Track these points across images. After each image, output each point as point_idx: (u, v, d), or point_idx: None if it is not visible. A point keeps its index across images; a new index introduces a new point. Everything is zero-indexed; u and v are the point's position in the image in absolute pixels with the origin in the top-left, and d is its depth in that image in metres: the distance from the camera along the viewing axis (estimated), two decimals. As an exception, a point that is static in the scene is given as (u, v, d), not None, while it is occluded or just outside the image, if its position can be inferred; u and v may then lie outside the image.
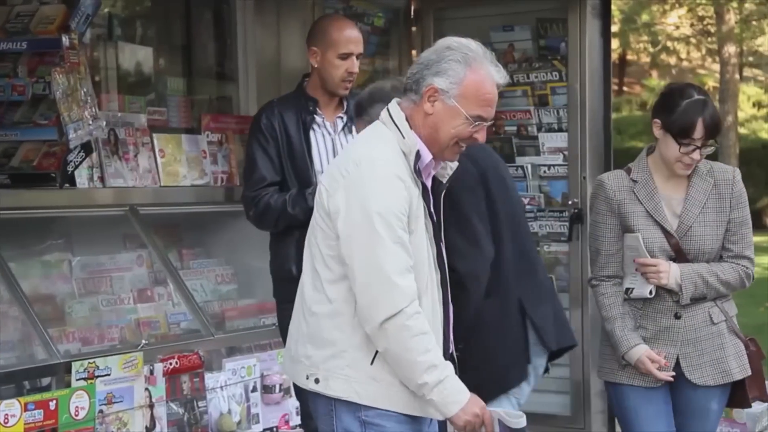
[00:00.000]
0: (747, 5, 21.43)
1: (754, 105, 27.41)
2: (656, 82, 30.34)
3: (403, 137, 2.91)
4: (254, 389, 4.41)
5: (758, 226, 23.65)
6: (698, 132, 3.56)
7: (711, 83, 28.91)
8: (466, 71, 2.87)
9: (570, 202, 5.35)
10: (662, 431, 3.66)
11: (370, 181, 2.84)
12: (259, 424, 4.41)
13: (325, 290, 2.90)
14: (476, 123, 2.89)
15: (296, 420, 4.49)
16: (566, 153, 5.40)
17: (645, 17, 23.98)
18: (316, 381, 2.91)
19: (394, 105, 2.96)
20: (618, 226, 3.71)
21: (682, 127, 3.59)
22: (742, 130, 23.41)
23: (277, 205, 4.01)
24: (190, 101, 5.28)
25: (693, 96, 3.63)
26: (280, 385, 4.42)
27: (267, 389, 4.43)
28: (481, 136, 2.93)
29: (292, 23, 5.18)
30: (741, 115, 23.93)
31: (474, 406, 2.86)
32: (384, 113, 2.97)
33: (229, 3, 5.36)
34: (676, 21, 26.53)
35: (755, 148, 23.68)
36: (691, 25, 26.31)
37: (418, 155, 2.89)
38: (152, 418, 3.91)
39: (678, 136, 3.60)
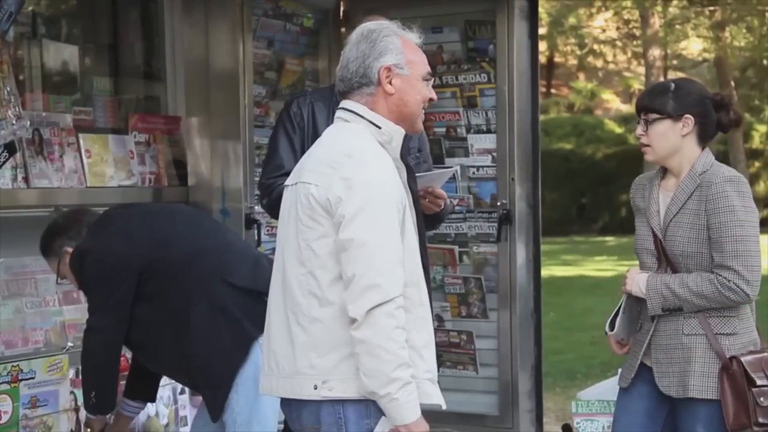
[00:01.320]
0: (671, 9, 21.81)
1: (678, 107, 27.80)
2: (583, 84, 30.70)
3: (379, 127, 2.92)
4: (182, 391, 4.38)
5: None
6: (637, 105, 3.59)
7: (636, 86, 29.34)
8: (399, 41, 2.95)
9: (499, 203, 5.39)
10: None
11: (368, 169, 2.83)
12: (187, 426, 4.37)
13: (324, 293, 2.83)
14: (429, 80, 3.00)
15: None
16: (495, 154, 5.44)
17: (572, 20, 24.28)
18: (330, 388, 2.82)
19: (352, 104, 2.93)
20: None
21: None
22: (666, 132, 23.70)
23: None
24: (116, 101, 5.22)
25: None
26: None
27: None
28: (433, 93, 3.03)
29: (221, 22, 5.15)
30: (666, 117, 24.22)
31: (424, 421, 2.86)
32: (345, 114, 2.94)
33: (156, 2, 5.31)
34: (602, 24, 26.87)
35: (679, 150, 24.06)
36: (617, 28, 26.67)
37: (406, 136, 2.96)
38: (77, 422, 3.86)
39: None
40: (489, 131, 5.46)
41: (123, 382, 3.87)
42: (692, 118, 3.48)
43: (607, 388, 4.22)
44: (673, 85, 3.54)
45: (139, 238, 3.64)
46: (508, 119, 5.35)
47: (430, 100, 3.01)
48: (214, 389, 3.58)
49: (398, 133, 2.96)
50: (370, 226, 2.80)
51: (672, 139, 3.50)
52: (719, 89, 23.76)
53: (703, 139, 3.54)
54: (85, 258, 3.58)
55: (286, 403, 2.92)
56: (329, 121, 3.94)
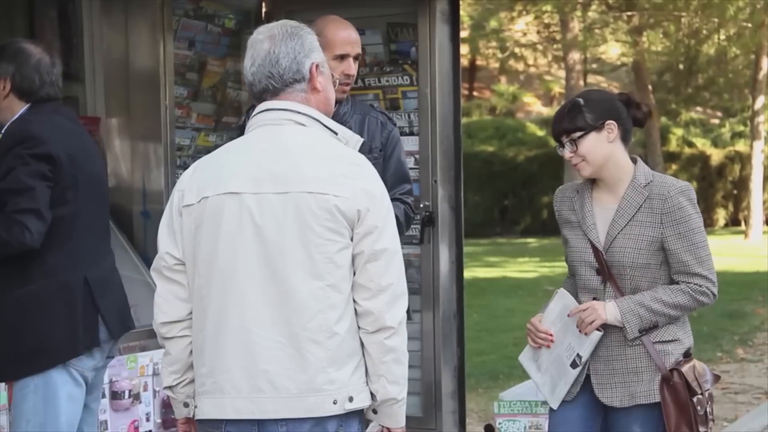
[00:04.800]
0: (590, 14, 22.12)
1: (597, 111, 28.20)
2: (505, 87, 31.03)
3: (336, 133, 2.90)
4: (103, 395, 4.31)
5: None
6: (555, 132, 3.60)
7: (557, 89, 29.75)
8: (317, 39, 2.94)
9: (421, 206, 5.40)
10: None
11: (378, 178, 2.86)
12: (108, 430, 4.32)
13: (347, 305, 2.78)
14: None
15: (146, 426, 4.42)
16: (417, 156, 5.46)
17: (493, 23, 24.50)
18: (350, 399, 2.78)
19: (297, 105, 2.87)
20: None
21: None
22: (586, 135, 24.02)
23: None
24: (33, 101, 5.12)
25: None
26: (129, 391, 4.33)
27: (115, 395, 4.34)
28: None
29: (141, 23, 5.09)
30: (585, 120, 24.55)
31: None
32: (295, 116, 2.86)
33: (74, 1, 5.23)
34: (523, 28, 27.18)
35: (599, 153, 24.40)
36: (538, 32, 27.00)
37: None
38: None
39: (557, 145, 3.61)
40: (411, 133, 5.47)
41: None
42: (614, 122, 3.52)
43: (529, 389, 4.25)
44: (581, 100, 3.57)
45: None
46: (430, 122, 5.37)
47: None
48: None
49: (354, 139, 2.94)
50: (395, 235, 2.83)
51: (602, 149, 3.52)
52: (638, 93, 24.18)
53: (626, 140, 3.58)
54: None
55: (271, 424, 2.77)
56: None
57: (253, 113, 2.92)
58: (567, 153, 3.54)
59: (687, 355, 3.56)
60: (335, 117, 4.17)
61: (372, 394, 2.83)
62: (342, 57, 4.06)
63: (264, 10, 5.71)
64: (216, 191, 2.81)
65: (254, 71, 2.87)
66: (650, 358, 3.49)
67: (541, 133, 25.82)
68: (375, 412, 2.86)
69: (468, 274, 6.61)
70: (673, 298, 3.47)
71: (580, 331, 3.50)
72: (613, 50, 28.19)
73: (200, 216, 2.82)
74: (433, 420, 5.36)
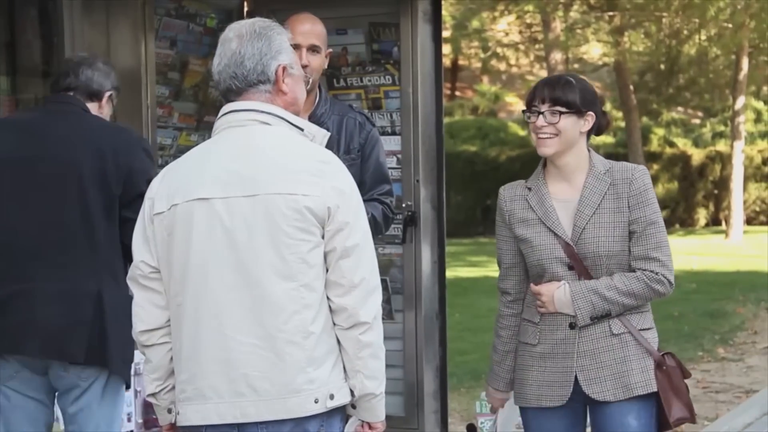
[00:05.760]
0: (572, 14, 22.18)
1: (579, 111, 28.29)
2: (487, 87, 31.07)
3: (302, 129, 2.89)
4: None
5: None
6: (538, 98, 3.43)
7: (539, 89, 29.73)
8: (287, 39, 2.95)
9: (404, 205, 5.41)
10: None
11: (346, 174, 2.86)
12: None
13: (321, 303, 2.78)
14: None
15: (128, 426, 4.37)
16: (399, 156, 5.46)
17: (475, 23, 24.53)
18: (331, 397, 2.79)
19: (261, 105, 2.86)
20: (513, 238, 3.52)
21: (527, 99, 3.49)
22: (568, 135, 24.10)
23: None
24: (14, 100, 5.11)
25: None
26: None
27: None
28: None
29: (122, 21, 5.07)
30: (567, 120, 24.62)
31: None
32: (260, 115, 2.86)
33: (55, 0, 5.21)
34: (505, 28, 27.22)
35: (581, 153, 24.49)
36: (520, 32, 27.05)
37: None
38: None
39: (526, 111, 3.47)
40: (394, 133, 5.47)
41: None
42: (593, 115, 3.46)
43: (511, 388, 4.25)
44: (572, 80, 3.48)
45: None
46: (412, 121, 5.37)
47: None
48: None
49: (321, 134, 2.95)
50: (366, 231, 2.83)
51: (575, 134, 3.44)
52: (619, 93, 24.28)
53: (589, 138, 3.52)
54: None
55: (252, 427, 2.77)
56: None
57: (218, 115, 2.92)
58: (542, 121, 3.41)
59: None
60: (312, 117, 4.21)
61: (350, 389, 2.84)
62: (295, 47, 4.09)
63: (246, 9, 5.70)
64: (185, 198, 2.81)
65: (220, 70, 2.88)
66: (638, 346, 3.40)
67: (523, 132, 25.85)
68: (354, 407, 2.88)
69: (450, 273, 6.62)
70: (628, 286, 3.37)
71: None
72: (594, 50, 28.26)
73: (171, 223, 2.82)
74: (415, 419, 5.37)
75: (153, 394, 2.97)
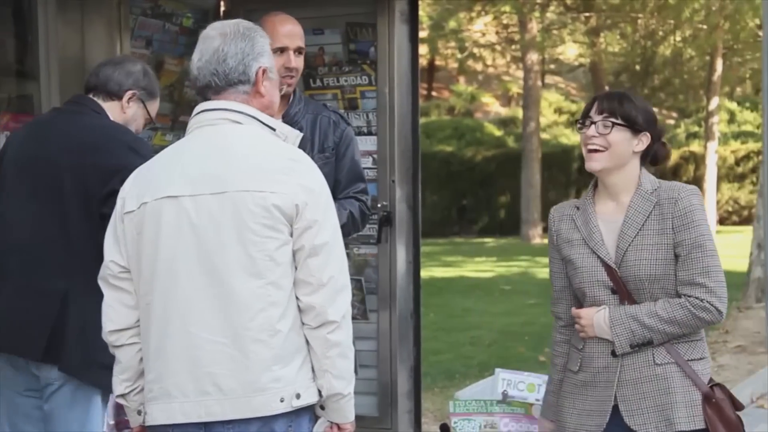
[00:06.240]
0: (548, 15, 22.24)
1: (555, 111, 28.48)
2: (463, 87, 31.12)
3: (274, 129, 2.90)
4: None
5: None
6: (594, 108, 3.27)
7: (515, 89, 29.88)
8: (268, 43, 2.97)
9: (379, 205, 5.41)
10: None
11: (317, 172, 2.85)
12: None
13: (288, 302, 2.78)
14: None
15: (101, 427, 4.38)
16: (375, 156, 5.46)
17: (452, 24, 24.55)
18: (298, 396, 2.78)
19: (234, 104, 2.87)
20: (561, 260, 3.35)
21: (583, 110, 3.33)
22: (544, 136, 24.26)
23: None
24: (-13, 99, 5.08)
25: None
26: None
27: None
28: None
29: (97, 20, 5.05)
30: (543, 120, 24.79)
31: None
32: (231, 114, 2.86)
33: (30, -2, 5.19)
34: (482, 28, 27.26)
35: (556, 153, 24.60)
36: (497, 32, 27.10)
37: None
38: None
39: (579, 121, 3.31)
40: (370, 133, 5.48)
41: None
42: (649, 136, 3.27)
43: (484, 388, 4.28)
44: (635, 98, 3.31)
45: None
46: (388, 121, 5.37)
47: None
48: None
49: (293, 134, 2.96)
50: (335, 230, 2.83)
51: (626, 152, 3.26)
52: (594, 93, 24.37)
53: (644, 160, 3.33)
54: None
55: (218, 426, 2.75)
56: None
57: (192, 115, 2.92)
58: (593, 131, 3.24)
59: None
60: (286, 117, 4.21)
61: (318, 390, 2.84)
62: (281, 50, 4.11)
63: (223, 9, 5.69)
64: (154, 196, 2.81)
65: (200, 66, 2.88)
66: (684, 378, 3.19)
67: (498, 133, 25.94)
68: (323, 408, 2.88)
69: (425, 273, 6.63)
70: (671, 313, 3.16)
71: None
72: (570, 51, 28.37)
73: (141, 222, 2.83)
74: (388, 419, 5.38)
75: (123, 395, 2.97)
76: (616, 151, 3.24)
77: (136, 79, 3.80)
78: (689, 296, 3.17)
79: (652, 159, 3.36)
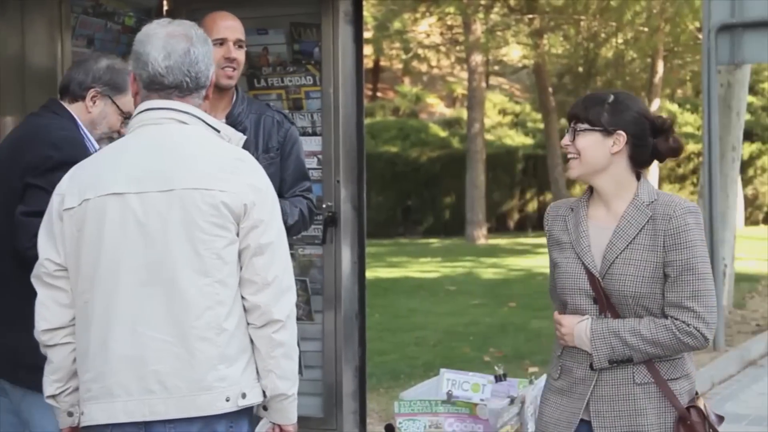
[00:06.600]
0: (492, 16, 22.36)
1: (499, 112, 28.64)
2: (408, 88, 31.19)
3: (218, 131, 2.91)
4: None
5: (503, 229, 24.76)
6: (569, 115, 3.20)
7: (460, 90, 30.01)
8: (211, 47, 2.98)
9: (324, 206, 5.41)
10: None
11: (262, 173, 2.87)
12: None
13: (234, 300, 2.78)
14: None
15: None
16: (320, 157, 5.46)
17: (397, 25, 24.59)
18: (243, 396, 2.78)
19: (178, 104, 2.86)
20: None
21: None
22: (488, 137, 24.38)
23: None
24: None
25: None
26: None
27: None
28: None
29: (38, 20, 4.99)
30: (487, 121, 24.91)
31: None
32: (177, 114, 2.86)
33: (-33, -3, 5.11)
34: (426, 29, 27.33)
35: (500, 154, 24.75)
36: (441, 33, 27.20)
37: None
38: None
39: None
40: (315, 134, 5.47)
41: None
42: (624, 135, 3.12)
43: (429, 388, 4.29)
44: (611, 96, 3.18)
45: None
46: (333, 122, 5.37)
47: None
48: None
49: (237, 137, 2.97)
50: (280, 230, 2.84)
51: (601, 156, 3.12)
52: (538, 95, 24.56)
53: (637, 164, 3.18)
54: None
55: (159, 426, 2.74)
56: None
57: (134, 113, 2.91)
58: (566, 139, 3.16)
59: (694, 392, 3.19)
60: (230, 117, 4.21)
61: (262, 390, 2.84)
62: (221, 42, 4.18)
63: (165, 8, 5.65)
64: (97, 193, 2.79)
65: (169, 65, 2.86)
66: (662, 399, 3.09)
67: (443, 134, 26.01)
68: (265, 408, 2.88)
69: (370, 274, 6.63)
70: (654, 334, 3.04)
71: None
72: (514, 52, 28.54)
73: (82, 219, 2.80)
74: (333, 420, 5.37)
75: (53, 396, 2.93)
76: (586, 157, 3.13)
77: (96, 76, 3.74)
78: (676, 319, 3.05)
79: (654, 155, 3.20)
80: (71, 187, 2.85)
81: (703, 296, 3.05)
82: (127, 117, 3.69)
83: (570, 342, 3.15)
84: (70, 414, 2.91)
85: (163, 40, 2.88)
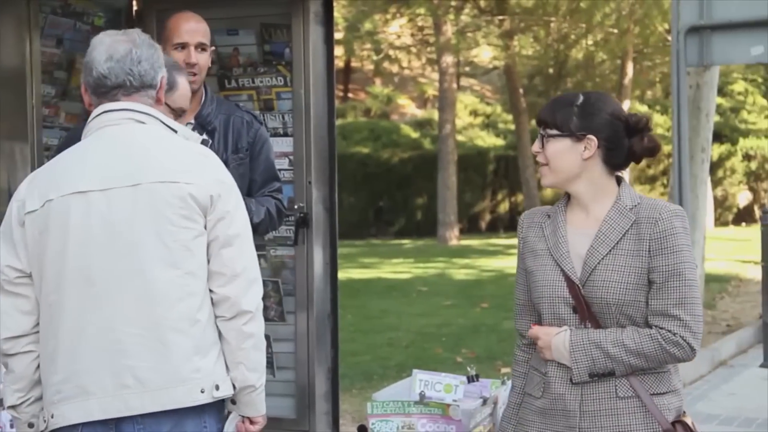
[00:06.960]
0: (463, 18, 22.41)
1: (470, 113, 28.71)
2: (380, 89, 31.21)
3: (175, 131, 2.93)
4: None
5: (475, 230, 24.82)
6: (537, 119, 3.04)
7: (431, 92, 30.06)
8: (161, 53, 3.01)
9: (296, 207, 5.40)
10: None
11: (225, 168, 2.90)
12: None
13: (205, 292, 2.79)
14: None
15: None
16: (292, 158, 5.45)
17: (368, 26, 24.59)
18: (217, 388, 2.79)
19: (136, 105, 2.88)
20: (525, 271, 3.07)
21: None
22: (459, 138, 24.42)
23: None
24: None
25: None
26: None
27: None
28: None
29: (6, 19, 4.95)
30: (459, 123, 24.96)
31: None
32: (135, 114, 2.87)
33: (-65, -4, 5.06)
34: (397, 30, 27.35)
35: (472, 155, 24.81)
36: (412, 34, 27.22)
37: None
38: None
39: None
40: (286, 134, 5.46)
41: None
42: (595, 140, 2.95)
43: (402, 389, 4.28)
44: (581, 98, 3.01)
45: None
46: (304, 123, 5.36)
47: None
48: None
49: (194, 137, 3.01)
50: (246, 222, 2.87)
51: (572, 162, 2.96)
52: (509, 96, 24.63)
53: (613, 166, 3.01)
54: None
55: (128, 424, 2.72)
56: None
57: (91, 116, 2.91)
58: (536, 146, 3.02)
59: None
60: (199, 118, 4.20)
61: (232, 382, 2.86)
62: (182, 46, 4.18)
63: (135, 8, 5.62)
64: (61, 193, 2.79)
65: (111, 66, 2.87)
66: (646, 414, 2.92)
67: (415, 135, 26.05)
68: (234, 402, 2.89)
69: (342, 275, 6.63)
70: (639, 345, 2.88)
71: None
72: (485, 54, 28.63)
73: (45, 220, 2.79)
74: (306, 421, 5.36)
75: (13, 407, 2.89)
76: (556, 164, 2.98)
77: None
78: (661, 328, 2.88)
79: (631, 157, 3.02)
80: (31, 191, 2.84)
81: (689, 304, 2.88)
82: (179, 114, 3.65)
83: (548, 356, 2.97)
84: (31, 425, 2.87)
85: (107, 46, 2.91)
